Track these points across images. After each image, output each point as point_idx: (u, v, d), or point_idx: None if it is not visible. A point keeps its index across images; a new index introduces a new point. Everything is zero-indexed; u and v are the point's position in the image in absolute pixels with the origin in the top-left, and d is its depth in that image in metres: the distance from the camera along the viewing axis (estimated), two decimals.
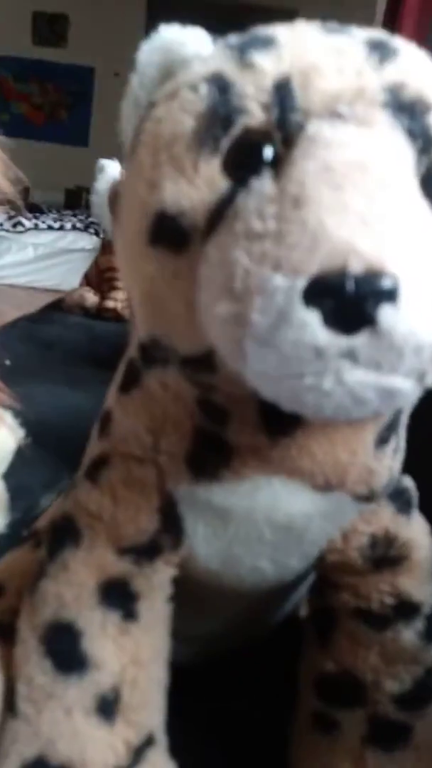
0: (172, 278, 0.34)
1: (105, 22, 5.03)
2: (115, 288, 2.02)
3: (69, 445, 0.97)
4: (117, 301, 2.00)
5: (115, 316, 1.99)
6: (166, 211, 0.33)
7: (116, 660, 0.42)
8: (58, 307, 2.13)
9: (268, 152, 0.32)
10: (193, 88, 0.34)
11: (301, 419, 0.37)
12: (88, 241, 4.09)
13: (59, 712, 0.40)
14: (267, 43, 0.34)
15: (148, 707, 0.43)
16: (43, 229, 4.09)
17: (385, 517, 0.46)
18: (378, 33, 0.35)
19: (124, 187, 0.36)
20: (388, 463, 0.43)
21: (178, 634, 0.47)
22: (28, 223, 4.03)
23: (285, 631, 0.58)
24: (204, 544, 0.43)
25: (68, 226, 4.16)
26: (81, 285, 2.19)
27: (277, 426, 0.38)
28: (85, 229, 4.14)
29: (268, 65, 0.33)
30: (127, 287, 0.39)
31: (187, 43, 0.37)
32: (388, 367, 0.28)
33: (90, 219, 4.23)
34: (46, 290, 3.66)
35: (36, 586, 0.43)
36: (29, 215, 4.02)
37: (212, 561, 0.44)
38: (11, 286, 3.64)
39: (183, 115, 0.33)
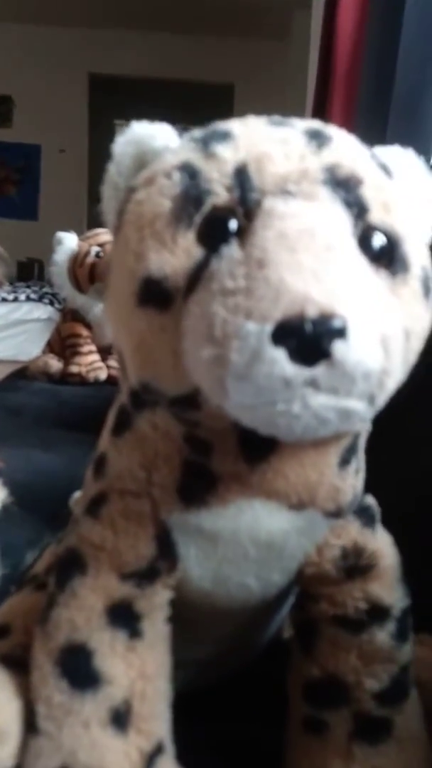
0: (159, 332, 0.40)
1: (49, 103, 5.21)
2: (78, 353, 2.07)
3: (46, 506, 1.01)
4: (81, 366, 2.05)
5: (80, 380, 2.03)
6: (152, 276, 0.40)
7: (125, 675, 0.46)
8: (23, 374, 2.16)
9: (233, 225, 0.39)
10: (168, 175, 0.41)
11: (275, 446, 0.44)
12: (43, 311, 4.13)
13: (78, 726, 0.44)
14: (225, 136, 0.41)
15: (157, 717, 0.47)
16: None
17: (353, 531, 0.52)
18: (314, 123, 0.43)
19: (113, 258, 0.43)
20: (352, 482, 0.49)
21: (175, 659, 0.52)
22: None
23: (272, 653, 0.63)
24: (196, 565, 0.48)
25: (22, 297, 4.19)
26: (44, 353, 2.23)
27: (254, 453, 0.44)
28: (39, 299, 4.19)
29: (228, 154, 0.40)
30: (118, 342, 0.45)
31: (156, 136, 0.45)
32: (344, 392, 0.35)
33: (44, 290, 4.28)
34: (2, 361, 3.67)
35: (48, 616, 0.48)
36: None
37: (204, 581, 0.49)
38: None
39: (161, 198, 0.40)
